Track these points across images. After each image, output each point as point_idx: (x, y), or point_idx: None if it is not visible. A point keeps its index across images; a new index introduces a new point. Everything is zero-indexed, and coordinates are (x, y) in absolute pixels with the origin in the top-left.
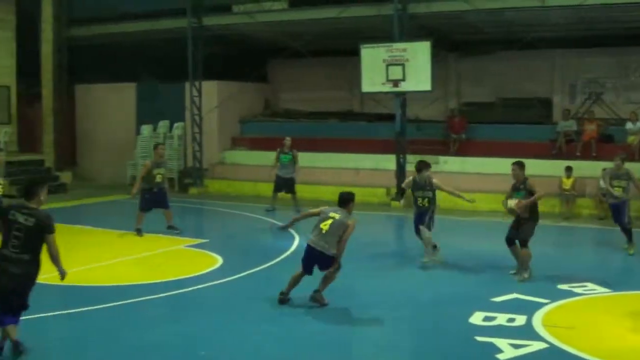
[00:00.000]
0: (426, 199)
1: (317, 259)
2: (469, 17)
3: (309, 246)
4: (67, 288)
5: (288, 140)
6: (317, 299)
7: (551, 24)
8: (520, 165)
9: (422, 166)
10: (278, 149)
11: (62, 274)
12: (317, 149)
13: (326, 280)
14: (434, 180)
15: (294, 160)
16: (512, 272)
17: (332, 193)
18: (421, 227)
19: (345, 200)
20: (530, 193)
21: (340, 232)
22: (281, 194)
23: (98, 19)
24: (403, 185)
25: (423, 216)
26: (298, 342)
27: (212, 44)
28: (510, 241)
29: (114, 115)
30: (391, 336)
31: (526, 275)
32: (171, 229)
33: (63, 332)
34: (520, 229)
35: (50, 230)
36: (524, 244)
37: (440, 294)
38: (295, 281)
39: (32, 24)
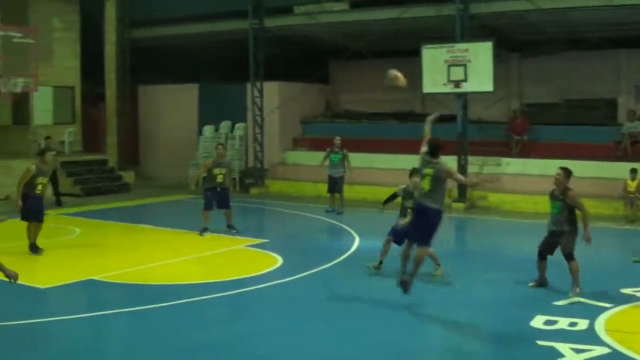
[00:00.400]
0: None
1: (424, 213)
2: (532, 17)
3: (418, 203)
4: (129, 286)
5: (338, 140)
6: (406, 283)
7: (616, 23)
8: (566, 172)
9: (412, 172)
10: (328, 149)
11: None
12: (377, 150)
13: (416, 263)
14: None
15: (344, 160)
16: (531, 283)
17: None
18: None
19: (435, 148)
20: (569, 206)
21: (442, 182)
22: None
23: (161, 20)
24: (397, 190)
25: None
26: (356, 343)
27: (273, 45)
28: (542, 255)
29: (177, 115)
30: (451, 339)
31: (578, 290)
32: (230, 229)
33: (125, 330)
34: (561, 243)
35: None
36: (570, 257)
37: (501, 297)
38: (405, 258)
39: (95, 25)
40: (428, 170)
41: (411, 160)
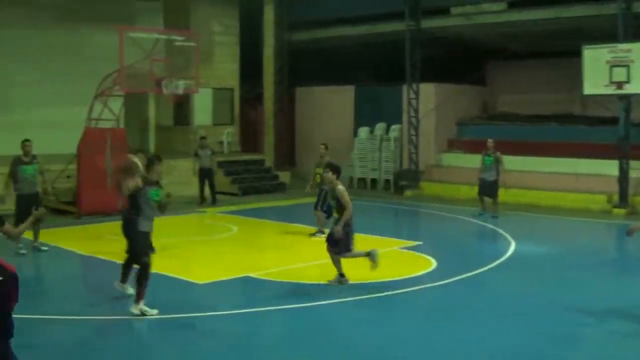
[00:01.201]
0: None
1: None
2: None
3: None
4: (283, 284)
5: (490, 142)
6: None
7: None
8: None
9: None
10: (483, 151)
11: None
12: (535, 153)
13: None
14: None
15: (497, 163)
16: None
17: (550, 198)
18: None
19: None
20: None
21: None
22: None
23: (318, 23)
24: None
25: None
26: (504, 352)
27: (429, 46)
28: None
29: (333, 117)
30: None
31: None
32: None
33: (279, 327)
34: None
35: None
36: None
37: None
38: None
39: (254, 28)
40: None
41: (570, 164)
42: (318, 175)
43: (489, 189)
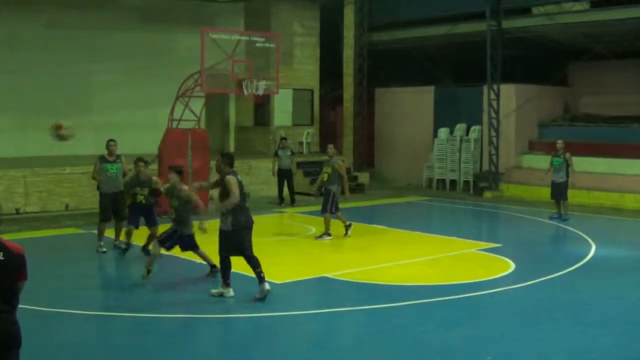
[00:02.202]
0: None
1: None
2: None
3: None
4: (362, 285)
5: (560, 143)
6: None
7: None
8: None
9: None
10: (552, 153)
11: None
12: (618, 155)
13: None
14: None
15: (566, 164)
16: None
17: (634, 201)
18: None
19: None
20: None
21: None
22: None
23: (397, 24)
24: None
25: None
26: (586, 356)
27: (510, 47)
28: None
29: (412, 118)
30: None
31: None
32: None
33: (358, 327)
34: None
35: None
36: None
37: None
38: None
39: (334, 30)
40: None
41: None
42: (326, 175)
43: (559, 191)
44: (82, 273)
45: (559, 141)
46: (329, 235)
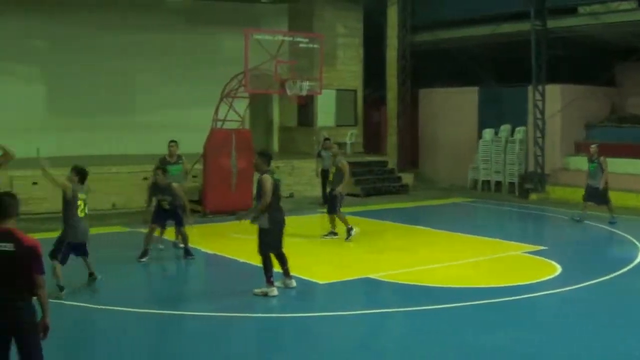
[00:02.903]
0: None
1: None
2: None
3: None
4: (405, 286)
5: (593, 147)
6: None
7: None
8: None
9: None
10: (587, 157)
11: None
12: None
13: None
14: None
15: (600, 168)
16: None
17: None
18: None
19: None
20: None
21: None
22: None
23: (441, 24)
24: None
25: None
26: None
27: (555, 47)
28: None
29: (456, 118)
30: None
31: None
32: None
33: (403, 328)
34: None
35: None
36: None
37: None
38: None
39: (377, 30)
40: None
41: None
42: (331, 174)
43: (596, 195)
44: (125, 271)
45: (592, 145)
46: (335, 234)
